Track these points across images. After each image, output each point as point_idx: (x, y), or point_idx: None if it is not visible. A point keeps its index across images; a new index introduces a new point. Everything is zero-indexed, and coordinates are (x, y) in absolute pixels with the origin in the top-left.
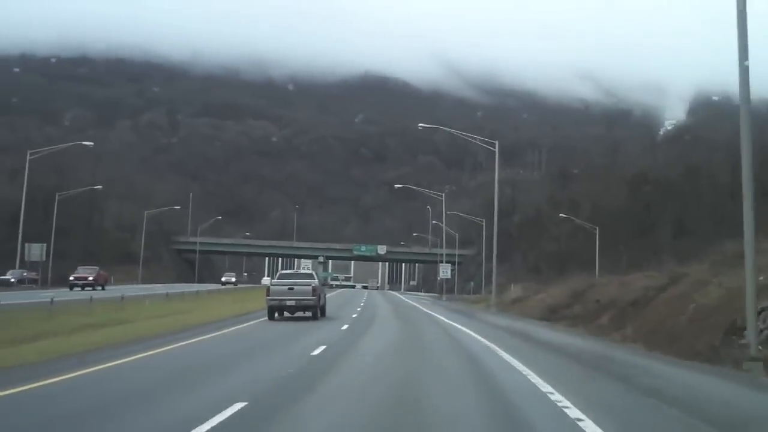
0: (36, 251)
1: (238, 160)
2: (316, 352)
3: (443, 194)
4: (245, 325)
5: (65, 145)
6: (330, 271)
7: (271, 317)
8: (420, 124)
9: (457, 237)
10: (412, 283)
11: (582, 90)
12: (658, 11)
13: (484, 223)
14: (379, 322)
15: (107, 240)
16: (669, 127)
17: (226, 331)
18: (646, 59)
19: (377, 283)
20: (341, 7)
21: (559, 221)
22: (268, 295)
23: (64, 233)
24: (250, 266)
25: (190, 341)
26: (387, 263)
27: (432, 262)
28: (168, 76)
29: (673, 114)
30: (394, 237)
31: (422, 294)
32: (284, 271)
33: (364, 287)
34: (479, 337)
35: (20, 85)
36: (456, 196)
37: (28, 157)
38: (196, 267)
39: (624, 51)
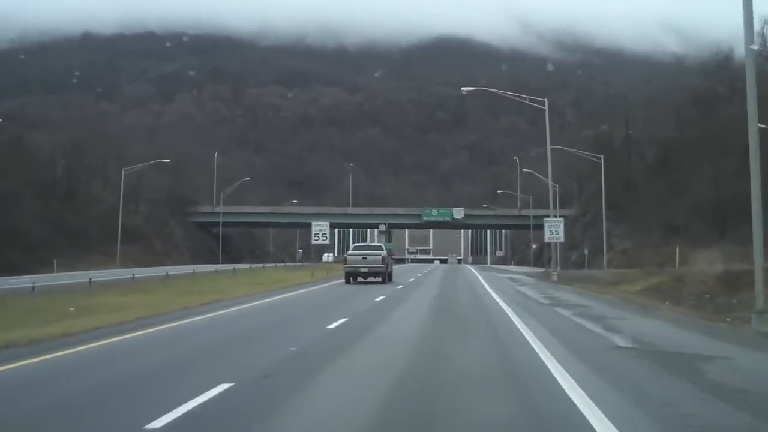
0: None
1: (305, 130)
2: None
3: (545, 102)
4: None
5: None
6: (390, 243)
7: (347, 281)
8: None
9: (557, 190)
10: (498, 253)
11: (669, 43)
12: None
13: (602, 160)
14: None
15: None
16: None
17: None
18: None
19: (458, 256)
20: None
21: (706, 157)
22: (346, 264)
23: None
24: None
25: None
26: (469, 231)
27: (522, 227)
28: (234, 48)
29: None
30: (477, 204)
31: (514, 269)
32: (358, 244)
33: (443, 262)
34: None
35: (80, 63)
36: (544, 158)
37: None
38: (219, 242)
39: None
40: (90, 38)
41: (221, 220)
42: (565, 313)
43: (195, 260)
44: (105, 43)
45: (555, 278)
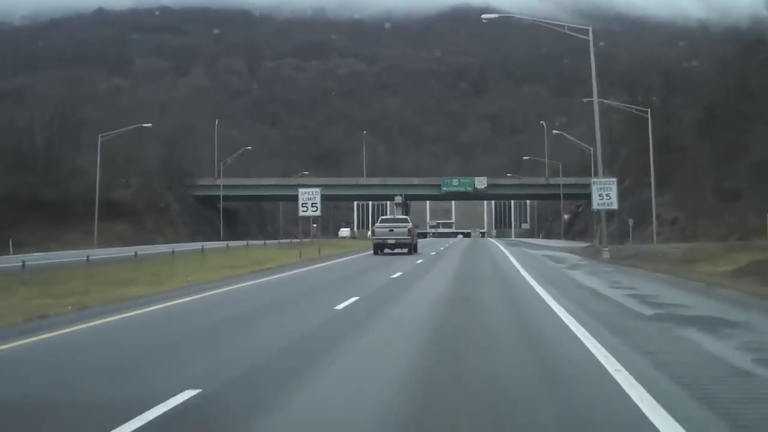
0: None
1: (323, 102)
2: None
3: (588, 32)
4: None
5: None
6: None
7: (375, 252)
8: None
9: (594, 152)
10: (524, 226)
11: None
12: None
13: (649, 114)
14: None
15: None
16: None
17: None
18: None
19: (481, 230)
20: None
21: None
22: (374, 235)
23: None
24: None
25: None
26: (492, 203)
27: (551, 197)
28: (250, 21)
29: None
30: (500, 175)
31: (545, 243)
32: (385, 217)
33: (466, 236)
34: None
35: (93, 39)
36: (569, 127)
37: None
38: (220, 218)
39: None
40: (104, 14)
41: (221, 193)
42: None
43: (193, 237)
44: (119, 19)
45: (606, 255)
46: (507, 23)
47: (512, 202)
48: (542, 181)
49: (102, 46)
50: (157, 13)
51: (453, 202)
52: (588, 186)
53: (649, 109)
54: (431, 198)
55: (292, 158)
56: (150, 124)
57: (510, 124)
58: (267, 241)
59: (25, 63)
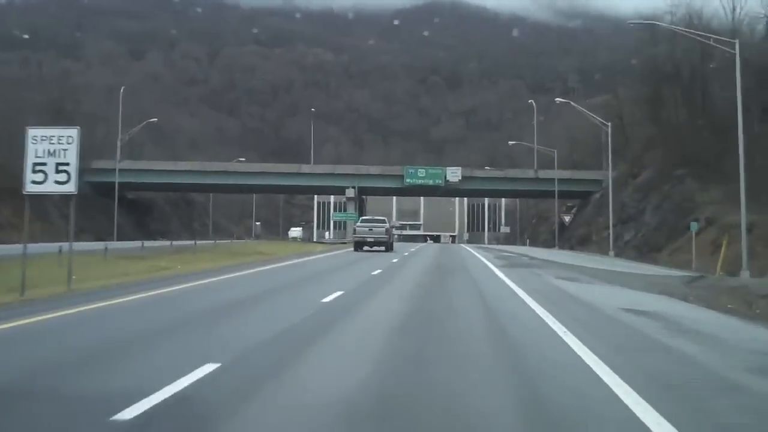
0: None
1: (286, 92)
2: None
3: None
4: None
5: None
6: (363, 213)
7: (356, 249)
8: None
9: (609, 136)
10: (503, 229)
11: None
12: None
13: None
14: None
15: None
16: None
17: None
18: None
19: (452, 233)
20: None
21: None
22: (355, 234)
23: None
24: (267, 213)
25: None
26: (465, 201)
27: (539, 195)
28: (215, 9)
29: None
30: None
31: (547, 254)
32: (365, 217)
33: (434, 240)
34: None
35: (45, 21)
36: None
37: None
38: (115, 211)
39: None
40: None
41: (117, 180)
42: None
43: (78, 236)
44: (76, 3)
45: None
46: (482, 17)
47: (485, 201)
48: (530, 174)
49: (56, 30)
50: None
51: (422, 199)
52: (586, 182)
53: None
54: (391, 192)
55: (248, 150)
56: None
57: (485, 121)
58: (154, 243)
59: None
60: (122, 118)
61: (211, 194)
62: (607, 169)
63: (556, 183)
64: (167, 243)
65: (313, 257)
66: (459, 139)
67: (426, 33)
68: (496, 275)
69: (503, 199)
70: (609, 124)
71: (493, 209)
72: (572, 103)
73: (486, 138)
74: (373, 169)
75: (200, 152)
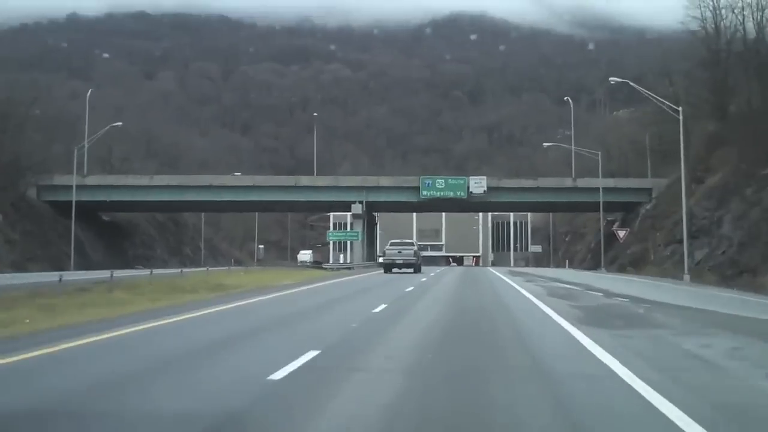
0: None
1: (302, 110)
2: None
3: None
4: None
5: None
6: (372, 233)
7: (386, 271)
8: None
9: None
10: (533, 248)
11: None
12: None
13: None
14: None
15: None
16: None
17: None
18: None
19: (475, 254)
20: None
21: None
22: (384, 257)
23: None
24: (278, 235)
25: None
26: (489, 217)
27: (578, 208)
28: (231, 28)
29: None
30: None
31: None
32: (394, 240)
33: (457, 263)
34: None
35: (61, 44)
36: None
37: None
38: (72, 235)
39: None
40: (76, 19)
41: (74, 198)
42: None
43: (23, 265)
44: (92, 24)
45: None
46: (504, 31)
47: (510, 217)
48: (567, 183)
49: (69, 51)
50: (131, 18)
51: (443, 216)
52: (631, 192)
53: None
54: (406, 208)
55: (262, 169)
56: None
57: (509, 135)
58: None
59: None
60: (126, 136)
61: (202, 214)
62: (655, 177)
63: (600, 192)
64: (146, 272)
65: (287, 292)
66: (481, 154)
67: (447, 47)
68: (587, 354)
69: (529, 215)
70: (680, 109)
71: (519, 227)
72: (631, 83)
73: (509, 153)
74: (384, 181)
75: (210, 172)
